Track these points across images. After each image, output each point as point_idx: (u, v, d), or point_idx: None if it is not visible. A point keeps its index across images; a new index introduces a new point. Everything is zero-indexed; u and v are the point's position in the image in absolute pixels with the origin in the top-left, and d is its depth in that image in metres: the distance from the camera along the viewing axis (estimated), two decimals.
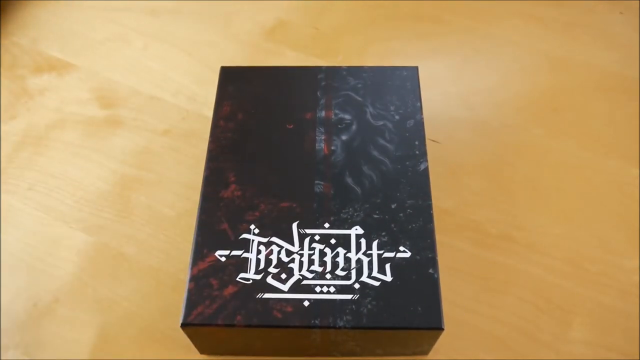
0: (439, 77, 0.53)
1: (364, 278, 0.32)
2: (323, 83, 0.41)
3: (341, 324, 0.31)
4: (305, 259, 0.33)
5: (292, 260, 0.33)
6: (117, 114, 0.51)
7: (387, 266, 0.33)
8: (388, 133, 0.38)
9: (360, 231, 0.34)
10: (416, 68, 0.42)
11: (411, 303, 0.31)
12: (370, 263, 0.33)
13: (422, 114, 0.40)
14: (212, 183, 0.36)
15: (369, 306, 0.31)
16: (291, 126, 0.39)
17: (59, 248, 0.43)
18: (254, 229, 0.34)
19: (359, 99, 0.40)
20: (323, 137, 0.38)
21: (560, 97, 0.51)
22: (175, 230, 0.43)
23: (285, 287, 0.32)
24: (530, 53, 0.55)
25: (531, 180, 0.46)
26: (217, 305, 0.31)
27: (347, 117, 0.39)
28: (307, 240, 0.34)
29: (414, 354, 0.36)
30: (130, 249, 0.42)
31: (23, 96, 0.52)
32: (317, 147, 0.38)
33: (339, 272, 0.33)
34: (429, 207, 0.35)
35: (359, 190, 0.36)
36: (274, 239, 0.34)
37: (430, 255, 0.33)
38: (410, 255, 0.33)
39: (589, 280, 0.40)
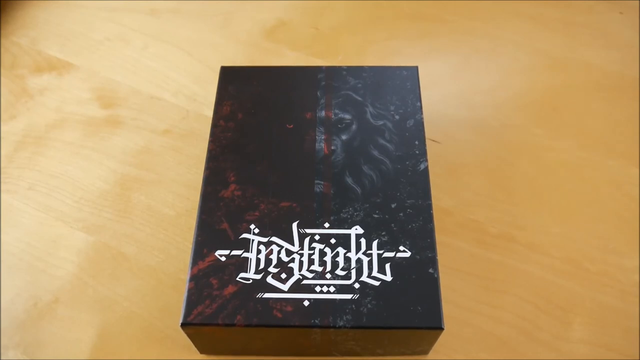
0: (439, 77, 0.53)
1: (364, 278, 0.32)
2: (323, 83, 0.41)
3: (341, 323, 0.31)
4: (305, 259, 0.33)
5: (292, 260, 0.33)
6: (117, 114, 0.51)
7: (387, 266, 0.33)
8: (388, 133, 0.38)
9: (360, 231, 0.34)
10: (416, 68, 0.42)
11: (411, 303, 0.31)
12: (370, 263, 0.33)
13: (422, 113, 0.40)
14: (212, 183, 0.36)
15: (369, 306, 0.31)
16: (291, 126, 0.39)
17: (59, 248, 0.43)
18: (254, 228, 0.34)
19: (359, 98, 0.40)
20: (323, 137, 0.38)
21: (560, 97, 0.51)
22: (175, 230, 0.43)
23: (285, 287, 0.32)
24: (530, 53, 0.55)
25: (531, 180, 0.46)
26: (217, 305, 0.31)
27: (347, 116, 0.39)
28: (307, 240, 0.34)
29: (414, 353, 0.36)
30: (130, 248, 0.42)
31: (23, 96, 0.52)
32: (317, 147, 0.38)
33: (339, 271, 0.33)
34: (429, 206, 0.35)
35: (359, 190, 0.36)
36: (274, 238, 0.34)
37: (430, 255, 0.33)
38: (410, 255, 0.33)
39: (589, 280, 0.40)
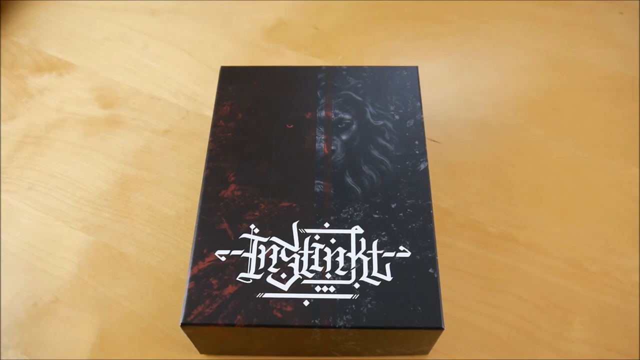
0: (439, 77, 0.53)
1: (364, 278, 0.32)
2: (323, 83, 0.41)
3: (341, 323, 0.31)
4: (305, 259, 0.33)
5: (292, 260, 0.33)
6: (117, 114, 0.51)
7: (387, 266, 0.33)
8: (388, 133, 0.38)
9: (360, 231, 0.34)
10: (416, 68, 0.42)
11: (411, 303, 0.31)
12: (370, 263, 0.33)
13: (422, 113, 0.40)
14: (212, 183, 0.36)
15: (369, 306, 0.31)
16: (291, 126, 0.39)
17: (59, 248, 0.43)
18: (254, 228, 0.34)
19: (359, 98, 0.40)
20: (323, 137, 0.38)
21: (560, 97, 0.51)
22: (175, 230, 0.43)
23: (285, 287, 0.32)
24: (530, 53, 0.55)
25: (531, 180, 0.46)
26: (217, 305, 0.31)
27: (347, 116, 0.39)
28: (307, 240, 0.34)
29: (414, 353, 0.36)
30: (130, 248, 0.42)
31: (23, 96, 0.52)
32: (317, 147, 0.38)
33: (339, 271, 0.33)
34: (429, 206, 0.35)
35: (358, 190, 0.36)
36: (274, 238, 0.34)
37: (430, 255, 0.33)
38: (410, 255, 0.33)
39: (589, 280, 0.40)
